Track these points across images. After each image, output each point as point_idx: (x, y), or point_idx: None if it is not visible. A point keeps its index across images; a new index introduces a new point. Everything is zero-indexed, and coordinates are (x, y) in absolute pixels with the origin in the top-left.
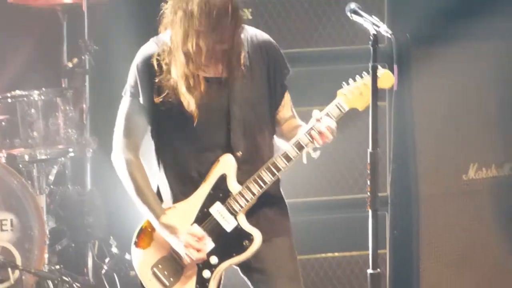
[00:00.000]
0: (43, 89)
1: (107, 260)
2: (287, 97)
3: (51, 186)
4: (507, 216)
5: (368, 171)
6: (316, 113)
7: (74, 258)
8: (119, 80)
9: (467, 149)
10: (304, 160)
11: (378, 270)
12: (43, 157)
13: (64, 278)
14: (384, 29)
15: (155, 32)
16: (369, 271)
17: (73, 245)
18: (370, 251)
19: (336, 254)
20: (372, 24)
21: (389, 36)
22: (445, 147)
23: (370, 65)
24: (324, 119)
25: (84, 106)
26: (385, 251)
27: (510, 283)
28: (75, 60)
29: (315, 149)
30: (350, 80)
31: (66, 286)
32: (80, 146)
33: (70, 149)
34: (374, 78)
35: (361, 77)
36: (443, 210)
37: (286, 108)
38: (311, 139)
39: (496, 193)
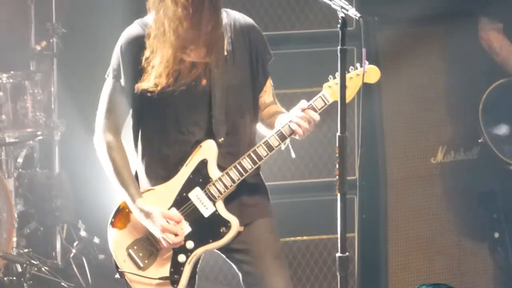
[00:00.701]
0: (12, 72)
1: (75, 243)
2: (269, 82)
3: (20, 170)
4: (475, 199)
5: (337, 155)
6: (303, 103)
7: (43, 241)
8: (87, 64)
9: (435, 132)
10: (292, 153)
11: (347, 253)
12: (12, 140)
13: (33, 261)
14: (353, 12)
15: (124, 15)
16: (338, 254)
17: (41, 229)
18: (338, 235)
19: (305, 237)
20: (341, 7)
21: (358, 19)
22: (413, 131)
23: (338, 48)
24: (308, 112)
25: (52, 89)
26: (354, 235)
27: (477, 265)
28: (43, 43)
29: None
30: (337, 74)
31: (34, 269)
32: (48, 129)
33: (39, 132)
34: (343, 60)
35: (348, 71)
36: (411, 193)
37: (268, 94)
38: (292, 131)
39: (465, 176)
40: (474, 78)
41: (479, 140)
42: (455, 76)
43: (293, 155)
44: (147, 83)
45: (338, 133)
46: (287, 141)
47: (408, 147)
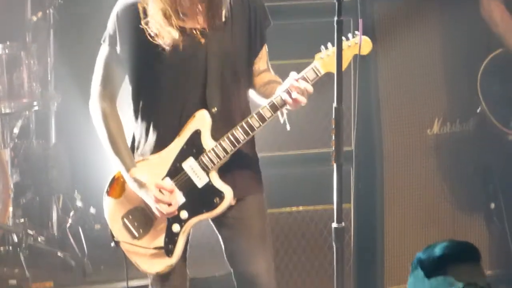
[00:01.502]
0: (7, 43)
1: (71, 213)
2: (264, 49)
3: (16, 140)
4: (471, 170)
5: (333, 126)
6: (293, 74)
7: (39, 211)
8: (83, 35)
9: (432, 103)
10: (282, 120)
11: (343, 224)
12: (7, 111)
13: (29, 231)
14: None
15: None
16: (334, 225)
17: (37, 199)
18: (334, 205)
19: (301, 208)
20: None
21: None
22: (409, 102)
23: (335, 19)
24: (301, 82)
25: (48, 60)
26: (350, 205)
27: (473, 236)
28: (40, 14)
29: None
30: (329, 45)
31: (30, 239)
32: (44, 100)
33: (35, 103)
34: (339, 32)
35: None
36: (407, 164)
37: (262, 61)
38: (283, 102)
39: (461, 147)
40: (471, 49)
41: (477, 111)
42: (452, 47)
43: (288, 128)
44: (144, 48)
45: (334, 105)
46: (285, 115)
47: (404, 119)
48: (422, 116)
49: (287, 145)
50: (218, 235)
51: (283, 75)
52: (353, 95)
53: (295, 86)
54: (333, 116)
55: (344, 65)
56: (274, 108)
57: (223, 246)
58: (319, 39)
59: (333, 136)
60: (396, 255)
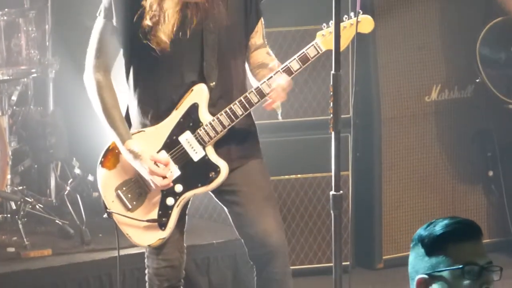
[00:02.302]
0: (5, 9)
1: (69, 181)
2: (260, 23)
3: (14, 107)
4: (469, 137)
5: (331, 93)
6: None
7: (37, 179)
8: (82, 1)
9: (430, 70)
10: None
11: (341, 191)
12: (6, 77)
13: (27, 199)
14: None
15: None
16: (332, 192)
17: (35, 166)
18: (332, 173)
19: (299, 176)
20: None
21: None
22: (407, 69)
23: None
24: (279, 78)
25: (46, 26)
26: (348, 173)
27: (471, 204)
28: None
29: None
30: (330, 22)
31: (28, 206)
32: (42, 67)
33: (33, 70)
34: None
35: (342, 20)
36: (405, 131)
37: (259, 35)
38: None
39: (459, 114)
40: (470, 18)
41: (477, 80)
42: (450, 15)
43: (280, 118)
44: (140, 22)
45: (332, 71)
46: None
47: (402, 86)
48: (420, 83)
49: (286, 113)
50: (221, 203)
51: (283, 43)
52: (351, 62)
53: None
54: (331, 83)
55: (346, 43)
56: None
57: (229, 213)
58: (318, 7)
59: (331, 103)
60: (394, 222)
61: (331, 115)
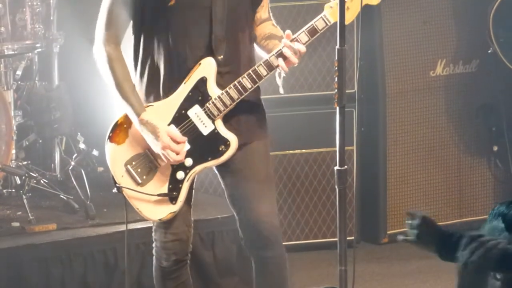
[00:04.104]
0: None
1: (74, 156)
2: None
3: (19, 82)
4: (473, 112)
5: (336, 68)
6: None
7: (42, 153)
8: None
9: (435, 45)
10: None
11: (345, 166)
12: (11, 52)
13: (32, 173)
14: None
15: None
16: (336, 167)
17: (40, 141)
18: (337, 148)
19: (304, 150)
20: None
21: None
22: (412, 44)
23: None
24: (295, 44)
25: (51, 1)
26: (353, 148)
27: (476, 179)
28: None
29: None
30: None
31: (33, 181)
32: (47, 41)
33: (38, 45)
34: None
35: None
36: (410, 106)
37: (264, 9)
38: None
39: (464, 89)
40: None
41: (489, 51)
42: None
43: (281, 91)
44: None
45: (337, 46)
46: (282, 78)
47: (407, 60)
48: (425, 57)
49: (291, 87)
50: (222, 182)
51: (288, 17)
52: (356, 37)
53: (288, 45)
54: (336, 58)
55: (354, 16)
56: (282, 56)
57: (226, 193)
58: None
59: (336, 78)
60: (398, 197)
61: (336, 90)
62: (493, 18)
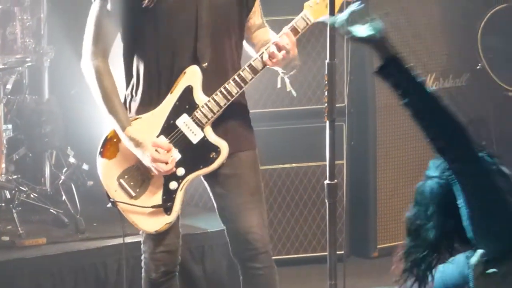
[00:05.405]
0: None
1: (64, 170)
2: (257, 3)
3: (9, 96)
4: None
5: (326, 82)
6: (285, 29)
7: (32, 167)
8: None
9: (425, 59)
10: (279, 84)
11: (335, 180)
12: (0, 66)
13: (22, 187)
14: None
15: None
16: (326, 181)
17: (30, 155)
18: (327, 162)
19: (294, 164)
20: None
21: None
22: (402, 57)
23: None
24: (282, 38)
25: (41, 15)
26: (342, 162)
27: None
28: None
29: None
30: None
31: (23, 195)
32: (37, 55)
33: (28, 59)
34: None
35: None
36: (400, 120)
37: (257, 15)
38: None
39: (453, 103)
40: (466, 6)
41: (477, 67)
42: (447, 2)
43: (294, 94)
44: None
45: (327, 60)
46: (286, 79)
47: None
48: (415, 71)
49: (281, 101)
50: (211, 193)
51: (275, 31)
52: (346, 50)
53: (276, 42)
54: (326, 72)
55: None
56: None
57: (215, 204)
58: None
59: (326, 92)
60: (388, 211)
61: (326, 104)
62: (481, 35)
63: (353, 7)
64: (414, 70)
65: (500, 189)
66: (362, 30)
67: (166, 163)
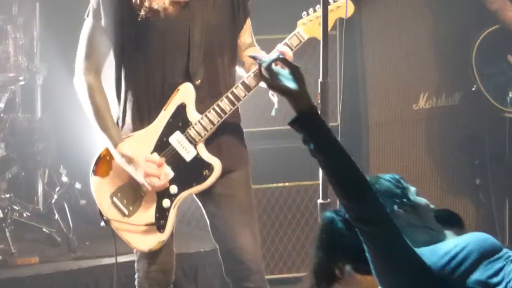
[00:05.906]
0: None
1: (57, 189)
2: (248, 22)
3: (1, 114)
4: (456, 145)
5: (318, 101)
6: (280, 46)
7: (24, 186)
8: (70, 7)
9: (417, 78)
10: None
11: (328, 199)
12: None
13: (14, 206)
14: None
15: None
16: (319, 200)
17: (23, 173)
18: (320, 181)
19: (287, 183)
20: None
21: None
22: (395, 76)
23: None
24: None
25: (34, 33)
26: None
27: (458, 211)
28: None
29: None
30: (310, 10)
31: (16, 214)
32: (30, 74)
33: (21, 78)
34: (325, 5)
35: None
36: (393, 139)
37: (247, 34)
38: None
39: (446, 122)
40: (459, 25)
41: (473, 88)
42: (440, 21)
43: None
44: (129, 21)
45: (320, 79)
46: (275, 98)
47: (390, 93)
48: (407, 90)
49: (274, 120)
50: (204, 211)
51: (266, 51)
52: (338, 69)
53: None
54: (319, 91)
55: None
56: (259, 76)
57: (208, 222)
58: (302, 13)
59: (319, 111)
60: None
61: None
62: (475, 56)
63: (275, 55)
64: (327, 125)
65: (405, 246)
66: (283, 79)
67: (159, 178)
